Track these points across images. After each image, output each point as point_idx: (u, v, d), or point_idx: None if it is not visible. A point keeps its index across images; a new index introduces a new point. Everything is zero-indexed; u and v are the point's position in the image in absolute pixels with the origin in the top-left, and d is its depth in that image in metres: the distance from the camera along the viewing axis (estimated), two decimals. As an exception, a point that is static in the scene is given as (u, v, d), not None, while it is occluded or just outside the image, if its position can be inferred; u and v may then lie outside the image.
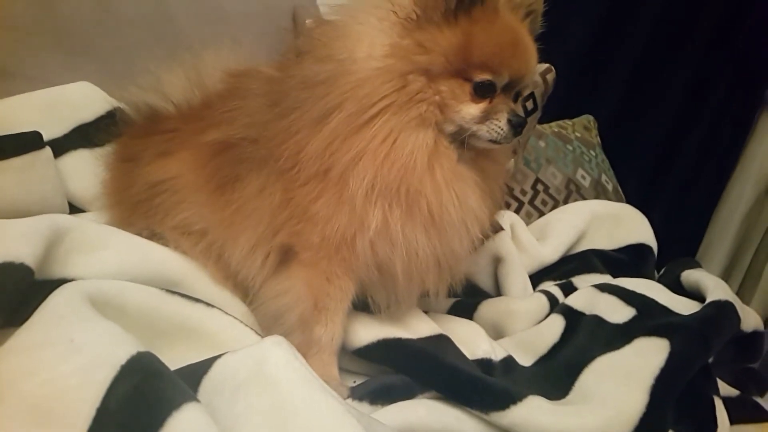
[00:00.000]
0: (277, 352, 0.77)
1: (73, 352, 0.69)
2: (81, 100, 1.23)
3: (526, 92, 1.58)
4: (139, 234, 1.01)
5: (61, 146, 1.15)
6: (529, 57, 0.98)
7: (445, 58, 0.91)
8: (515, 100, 1.01)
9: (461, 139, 0.96)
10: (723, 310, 1.11)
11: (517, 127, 0.95)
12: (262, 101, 0.98)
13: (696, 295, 1.23)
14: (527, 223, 1.55)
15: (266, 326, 0.97)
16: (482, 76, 0.93)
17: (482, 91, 0.94)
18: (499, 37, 0.94)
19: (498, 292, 1.36)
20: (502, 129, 0.95)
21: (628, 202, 1.88)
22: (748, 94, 2.21)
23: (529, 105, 1.65)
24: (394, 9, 0.93)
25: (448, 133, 0.96)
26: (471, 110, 0.94)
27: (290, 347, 0.79)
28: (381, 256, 0.94)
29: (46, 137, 1.07)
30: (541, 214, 1.67)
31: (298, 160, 0.92)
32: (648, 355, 0.99)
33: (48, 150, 1.06)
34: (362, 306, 1.02)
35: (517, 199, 1.70)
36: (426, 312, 1.11)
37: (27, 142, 1.03)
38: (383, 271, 0.96)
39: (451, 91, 0.93)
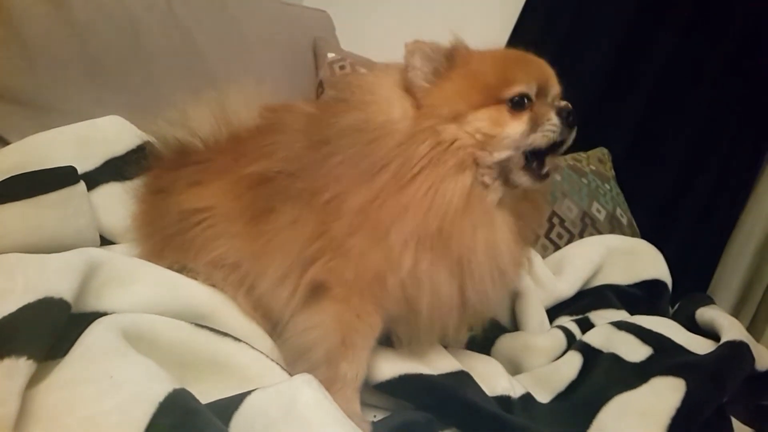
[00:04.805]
0: (308, 391, 0.79)
1: (112, 389, 0.70)
2: (112, 134, 1.24)
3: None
4: (170, 267, 1.02)
5: (93, 180, 1.15)
6: (542, 63, 1.01)
7: (466, 97, 0.95)
8: None
9: (505, 177, 0.97)
10: (738, 351, 1.13)
11: (568, 117, 0.94)
12: (300, 137, 1.01)
13: (710, 333, 1.25)
14: (543, 256, 1.57)
15: (291, 361, 0.97)
16: (512, 90, 0.95)
17: (519, 105, 0.95)
18: (507, 57, 1.01)
19: (515, 326, 1.37)
20: (555, 125, 0.94)
21: (641, 234, 1.90)
22: (761, 129, 2.22)
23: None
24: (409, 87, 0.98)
25: (496, 165, 0.96)
26: (517, 127, 0.94)
27: (320, 386, 0.80)
28: (409, 293, 0.95)
29: (79, 171, 1.08)
30: (557, 247, 1.69)
31: (338, 202, 0.93)
32: (664, 395, 1.01)
33: (82, 184, 1.07)
34: (384, 340, 1.03)
35: (532, 231, 1.71)
36: (445, 347, 1.12)
37: (63, 177, 1.04)
38: (409, 307, 0.97)
39: (489, 119, 0.94)
